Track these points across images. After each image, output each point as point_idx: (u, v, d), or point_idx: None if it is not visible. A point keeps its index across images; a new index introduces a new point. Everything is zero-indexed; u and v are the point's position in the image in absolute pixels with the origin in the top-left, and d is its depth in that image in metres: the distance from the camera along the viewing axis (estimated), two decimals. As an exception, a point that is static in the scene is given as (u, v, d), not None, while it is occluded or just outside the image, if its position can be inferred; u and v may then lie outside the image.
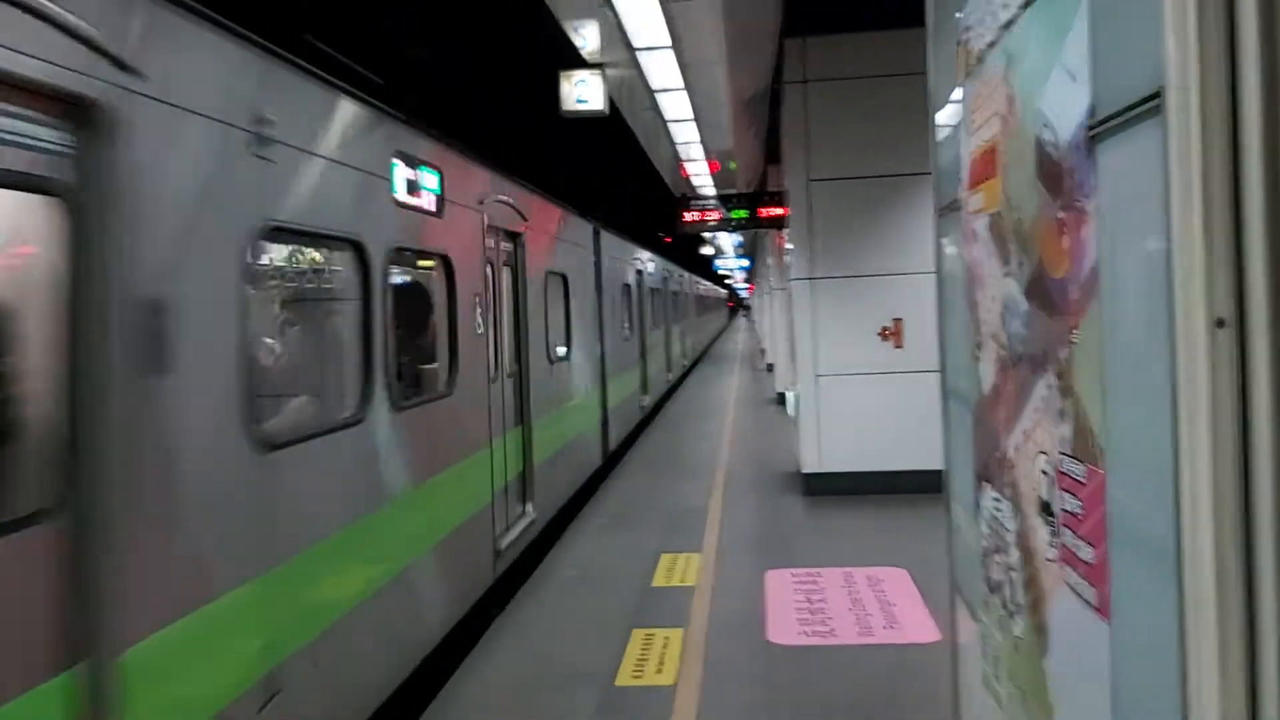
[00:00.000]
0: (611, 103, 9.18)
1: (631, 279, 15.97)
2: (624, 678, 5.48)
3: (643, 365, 16.89)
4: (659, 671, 5.54)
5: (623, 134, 13.51)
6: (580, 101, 8.51)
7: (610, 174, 24.38)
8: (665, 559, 7.82)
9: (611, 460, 12.83)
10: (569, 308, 10.61)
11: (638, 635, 6.12)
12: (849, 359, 9.85)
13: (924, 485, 9.48)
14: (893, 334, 9.82)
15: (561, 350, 10.15)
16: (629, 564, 7.73)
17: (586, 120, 8.79)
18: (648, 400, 17.29)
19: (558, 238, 10.15)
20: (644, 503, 10.19)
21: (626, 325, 15.13)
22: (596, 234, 12.75)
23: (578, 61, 8.56)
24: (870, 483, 9.70)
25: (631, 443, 14.69)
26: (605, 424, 12.48)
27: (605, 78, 8.44)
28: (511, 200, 8.00)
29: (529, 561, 8.04)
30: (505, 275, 7.94)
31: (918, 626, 6.08)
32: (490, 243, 7.34)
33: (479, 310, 6.89)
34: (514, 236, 8.17)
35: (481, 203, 7.20)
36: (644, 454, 13.60)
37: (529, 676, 5.63)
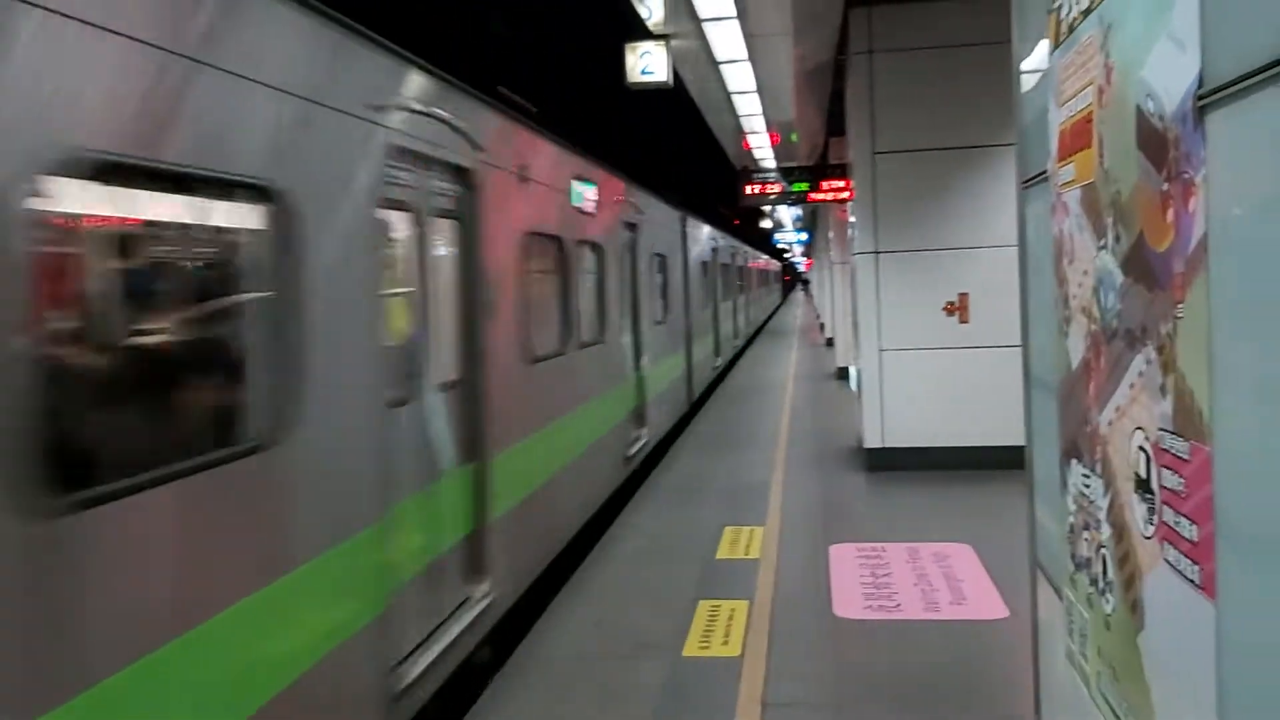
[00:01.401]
0: (676, 75, 9.11)
1: (708, 256, 18.38)
2: (691, 648, 5.52)
3: (715, 330, 19.25)
4: (725, 643, 5.58)
5: (687, 106, 13.46)
6: (646, 73, 8.47)
7: (674, 147, 24.53)
8: (729, 532, 7.84)
9: (697, 405, 15.61)
10: (666, 281, 12.88)
11: (704, 607, 6.15)
12: (913, 334, 9.76)
13: (989, 461, 9.43)
14: (958, 309, 9.70)
15: (659, 316, 12.29)
16: (693, 536, 7.77)
17: (655, 95, 8.75)
18: (720, 361, 19.74)
19: (660, 225, 12.35)
20: (706, 477, 10.21)
21: (703, 296, 17.57)
22: (683, 220, 15.00)
23: (643, 33, 8.51)
24: (933, 458, 9.63)
25: (707, 398, 16.94)
26: (689, 375, 14.85)
27: (669, 49, 8.38)
28: (635, 200, 10.41)
29: (640, 476, 10.24)
30: (628, 257, 10.21)
31: (985, 603, 6.04)
32: (626, 233, 9.84)
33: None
34: (633, 227, 10.42)
35: (619, 202, 9.64)
36: (706, 428, 13.62)
37: (597, 646, 5.70)
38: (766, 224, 36.44)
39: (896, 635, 5.62)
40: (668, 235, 13.24)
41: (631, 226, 10.39)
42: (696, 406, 15.46)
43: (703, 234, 17.70)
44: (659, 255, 12.37)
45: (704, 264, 17.70)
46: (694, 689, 5.01)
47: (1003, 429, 9.42)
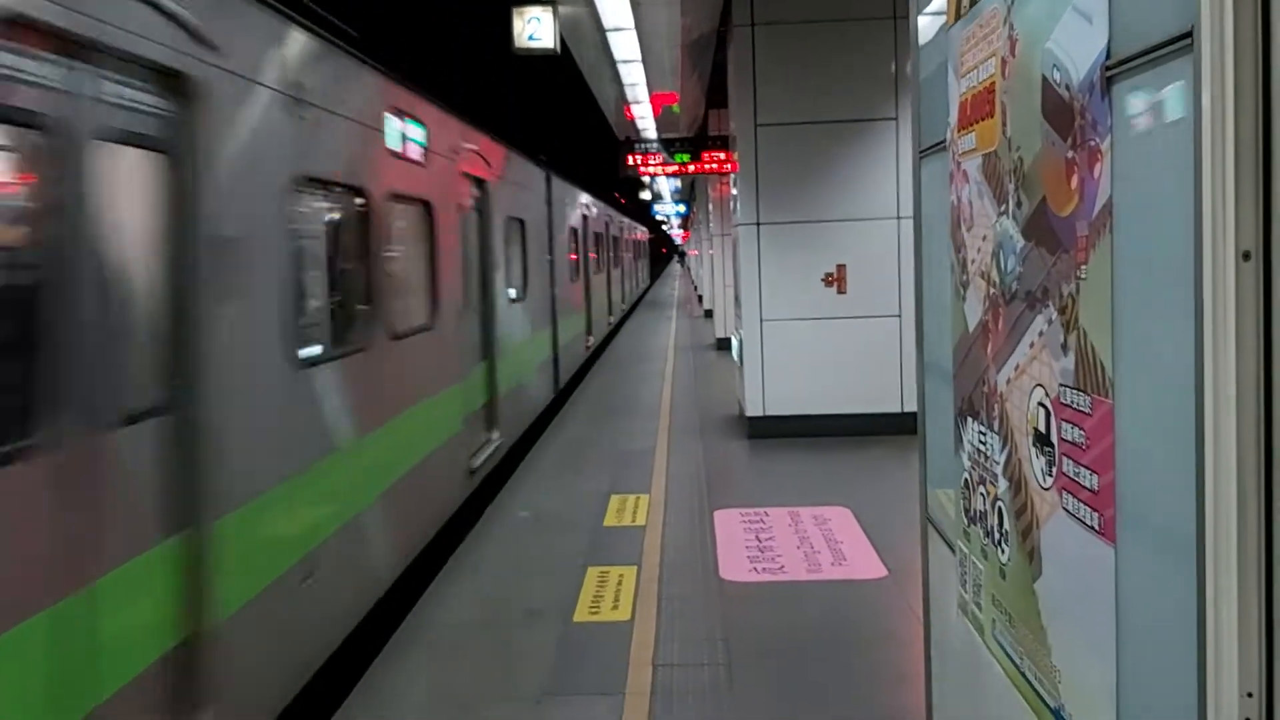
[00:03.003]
0: (562, 41, 9.04)
1: (578, 223, 16.91)
2: (581, 614, 5.56)
3: (588, 306, 17.57)
4: (615, 608, 5.63)
5: (571, 73, 13.35)
6: (532, 39, 8.38)
7: (557, 113, 24.23)
8: (615, 500, 7.90)
9: (566, 390, 14.44)
10: (526, 251, 11.27)
11: (592, 573, 6.20)
12: (793, 304, 9.98)
13: (865, 428, 9.76)
14: (836, 280, 9.95)
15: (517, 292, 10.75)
16: (580, 505, 7.81)
17: (537, 58, 8.66)
18: (593, 340, 18.06)
19: (519, 185, 10.71)
20: (591, 446, 10.26)
21: (573, 268, 15.96)
22: (548, 180, 13.25)
23: (528, -2, 8.42)
24: (813, 425, 9.90)
25: (581, 378, 15.73)
26: (555, 360, 13.36)
27: (556, 14, 8.31)
28: (488, 152, 8.86)
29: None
30: (473, 220, 8.51)
31: (864, 562, 6.26)
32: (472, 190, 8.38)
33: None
34: (482, 184, 8.85)
35: (465, 151, 8.09)
36: (588, 398, 13.65)
37: (488, 615, 5.68)
38: (645, 195, 36.57)
39: (781, 596, 5.78)
40: (530, 198, 11.64)
41: (480, 183, 8.82)
42: (566, 392, 14.28)
43: (575, 199, 16.48)
44: (517, 220, 10.78)
45: (574, 230, 16.33)
46: (586, 653, 5.05)
47: (878, 396, 9.82)
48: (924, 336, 3.22)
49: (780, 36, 9.85)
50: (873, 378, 9.86)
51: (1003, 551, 2.34)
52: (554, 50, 8.72)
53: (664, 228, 72.22)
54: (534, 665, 4.92)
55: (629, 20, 9.59)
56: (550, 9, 8.38)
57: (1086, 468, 1.85)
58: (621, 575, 6.16)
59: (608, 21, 9.67)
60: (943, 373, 2.91)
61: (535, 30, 8.28)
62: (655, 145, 16.65)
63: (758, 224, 10.03)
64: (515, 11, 8.27)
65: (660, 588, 5.92)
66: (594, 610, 5.60)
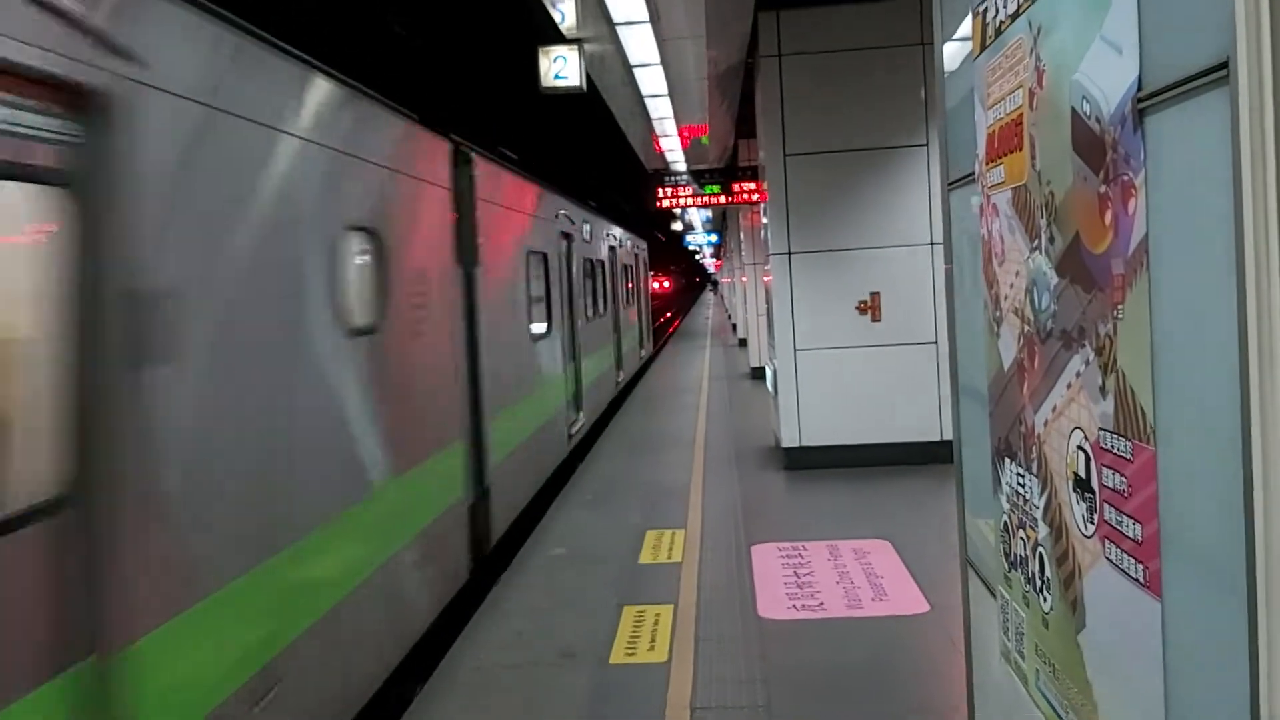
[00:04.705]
0: (588, 78, 9.07)
1: (627, 259, 18.37)
2: (618, 655, 5.47)
3: (617, 344, 16.81)
4: (651, 649, 5.54)
5: (600, 109, 13.40)
6: (559, 78, 8.41)
7: (587, 149, 24.16)
8: (650, 535, 7.82)
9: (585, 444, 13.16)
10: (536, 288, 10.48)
11: (629, 612, 6.11)
12: (827, 333, 9.88)
13: (903, 457, 9.61)
14: (870, 308, 9.85)
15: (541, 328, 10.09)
16: (614, 541, 7.73)
17: (567, 100, 8.69)
18: (622, 377, 17.17)
19: (538, 217, 10.19)
20: (625, 480, 10.18)
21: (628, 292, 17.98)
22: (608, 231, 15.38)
23: (556, 37, 8.45)
24: (849, 456, 9.77)
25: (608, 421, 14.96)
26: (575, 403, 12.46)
27: (583, 53, 8.33)
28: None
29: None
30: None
31: (906, 598, 6.12)
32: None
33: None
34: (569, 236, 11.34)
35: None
36: (621, 431, 13.59)
37: (522, 657, 5.61)
38: (677, 226, 36.63)
39: (821, 634, 5.66)
40: (598, 245, 13.04)
41: (568, 237, 10.96)
42: (626, 390, 14.99)
43: (627, 243, 17.01)
44: (589, 260, 12.38)
45: (625, 267, 17.03)
46: (622, 696, 4.96)
47: (917, 424, 9.68)
48: (958, 373, 3.14)
49: (807, 66, 9.82)
50: (911, 406, 9.73)
51: (1045, 600, 2.25)
52: (581, 89, 8.75)
53: (696, 257, 72.32)
54: (569, 710, 4.84)
55: (654, 56, 9.61)
56: (575, 48, 8.41)
57: (1129, 516, 1.76)
58: (658, 614, 6.07)
59: (634, 58, 9.69)
60: (979, 400, 2.83)
61: (561, 69, 8.32)
62: (685, 178, 16.68)
63: (789, 253, 9.97)
64: (541, 51, 8.32)
65: (697, 627, 5.82)
66: (630, 652, 5.52)
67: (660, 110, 12.90)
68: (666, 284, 67.89)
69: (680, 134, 15.04)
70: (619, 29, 8.41)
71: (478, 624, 6.14)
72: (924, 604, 5.97)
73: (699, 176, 16.92)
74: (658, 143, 15.74)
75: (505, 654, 5.65)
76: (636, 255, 21.61)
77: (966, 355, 3.03)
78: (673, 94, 11.82)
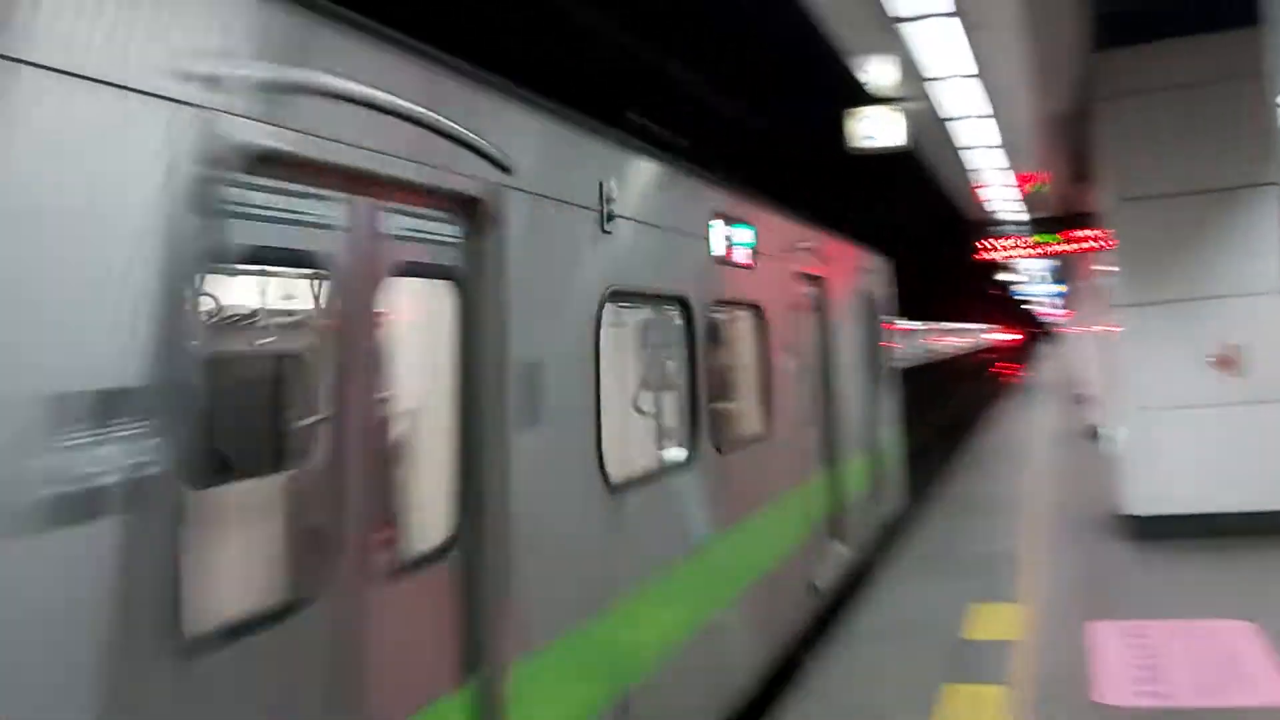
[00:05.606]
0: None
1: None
2: (944, 731, 5.24)
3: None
4: (981, 729, 5.26)
5: (910, 165, 13.24)
6: (867, 138, 8.41)
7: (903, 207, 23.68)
8: (976, 608, 7.42)
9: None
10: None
11: (951, 692, 5.82)
12: (1177, 390, 9.07)
13: (1272, 527, 8.54)
14: (1229, 361, 8.93)
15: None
16: (937, 613, 7.39)
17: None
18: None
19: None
20: (949, 547, 9.77)
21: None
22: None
23: (862, 98, 8.48)
24: (1205, 526, 8.83)
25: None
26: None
27: (906, 112, 8.29)
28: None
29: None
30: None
31: (1271, 687, 5.43)
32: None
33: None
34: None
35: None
36: (948, 492, 13.08)
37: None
38: (1005, 275, 34.94)
39: (1169, 725, 5.14)
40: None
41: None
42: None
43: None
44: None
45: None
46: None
47: (1280, 492, 8.59)
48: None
49: (1145, 106, 9.24)
50: (1276, 470, 8.68)
51: None
52: (904, 147, 8.68)
53: (1025, 307, 68.46)
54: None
55: (980, 108, 9.39)
56: (895, 105, 8.39)
57: None
58: (986, 696, 5.73)
59: (950, 111, 9.51)
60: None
61: (869, 129, 8.32)
62: (1012, 227, 15.96)
63: (1132, 305, 9.29)
64: (848, 113, 8.37)
65: (1029, 711, 5.45)
66: (957, 730, 5.26)
67: (975, 161, 12.54)
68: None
69: (1018, 181, 14.45)
70: (928, 84, 8.31)
71: (791, 698, 6.08)
72: (1296, 698, 5.27)
73: (1033, 225, 16.13)
74: (976, 194, 15.24)
75: None
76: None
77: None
78: (1005, 141, 11.50)
